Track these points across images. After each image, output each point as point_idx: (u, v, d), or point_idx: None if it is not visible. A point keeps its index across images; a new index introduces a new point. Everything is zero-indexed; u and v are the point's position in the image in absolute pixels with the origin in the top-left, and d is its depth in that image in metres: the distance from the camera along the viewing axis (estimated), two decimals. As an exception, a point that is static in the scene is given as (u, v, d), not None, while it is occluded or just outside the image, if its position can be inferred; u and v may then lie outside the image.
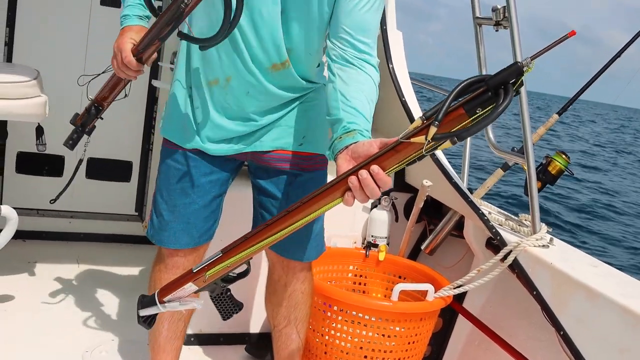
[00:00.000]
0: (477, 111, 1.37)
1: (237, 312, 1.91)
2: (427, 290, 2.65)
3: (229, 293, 1.85)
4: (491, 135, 2.93)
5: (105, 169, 4.04)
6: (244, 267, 1.77)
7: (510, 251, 2.53)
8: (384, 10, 3.22)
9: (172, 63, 3.16)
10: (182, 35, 1.92)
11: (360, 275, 3.08)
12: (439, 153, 3.05)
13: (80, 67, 3.80)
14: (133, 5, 2.12)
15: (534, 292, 2.43)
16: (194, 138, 2.11)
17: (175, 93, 2.15)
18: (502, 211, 2.97)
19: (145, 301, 1.83)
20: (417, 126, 1.43)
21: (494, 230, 2.66)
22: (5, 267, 3.38)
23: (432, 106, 1.45)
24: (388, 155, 1.49)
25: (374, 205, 3.21)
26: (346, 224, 3.17)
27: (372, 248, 3.09)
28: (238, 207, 2.42)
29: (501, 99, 1.35)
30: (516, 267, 2.52)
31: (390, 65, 3.23)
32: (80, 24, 3.85)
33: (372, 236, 3.13)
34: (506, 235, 2.65)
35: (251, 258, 1.70)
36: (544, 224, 2.63)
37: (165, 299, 1.79)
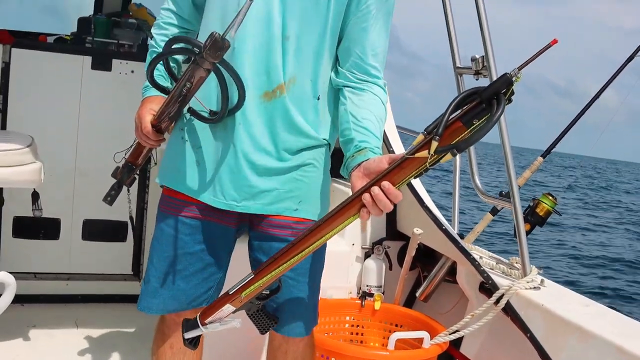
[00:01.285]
0: (474, 122, 1.49)
1: (273, 327, 2.02)
2: (423, 338, 2.67)
3: (264, 309, 1.96)
4: (477, 181, 2.98)
5: (101, 230, 4.07)
6: (275, 284, 1.88)
7: (503, 294, 2.57)
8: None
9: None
10: (191, 112, 2.03)
11: (357, 326, 3.11)
12: (428, 200, 3.11)
13: (73, 132, 3.87)
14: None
15: (528, 335, 2.46)
16: (190, 186, 2.10)
17: (173, 140, 2.17)
18: (493, 255, 3.01)
19: (189, 324, 1.92)
20: (420, 141, 1.55)
21: (485, 274, 2.70)
22: (5, 332, 3.39)
23: (431, 121, 1.54)
24: (396, 171, 1.62)
25: (367, 255, 3.25)
26: (341, 274, 3.21)
27: (367, 298, 3.12)
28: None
29: (494, 109, 1.46)
30: (509, 310, 2.55)
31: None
32: (73, 89, 3.91)
33: (367, 286, 3.16)
34: (498, 279, 2.69)
35: (281, 276, 1.81)
36: (534, 266, 2.67)
37: (206, 321, 1.89)
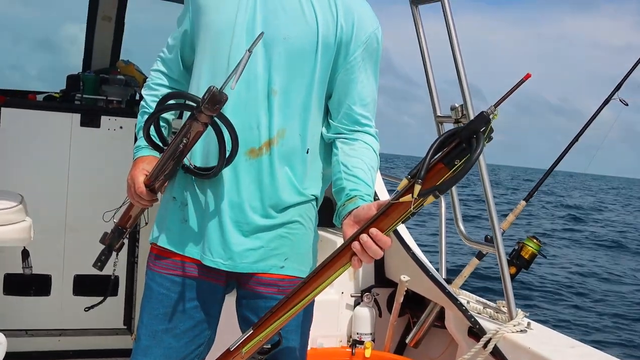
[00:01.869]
0: (456, 163, 1.53)
1: None
2: (413, 384, 2.69)
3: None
4: (461, 227, 3.03)
5: (91, 285, 4.08)
6: (276, 339, 1.88)
7: (490, 339, 2.59)
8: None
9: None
10: (185, 169, 2.03)
11: (349, 374, 3.11)
12: (415, 247, 3.15)
13: (63, 188, 3.91)
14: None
15: (516, 378, 2.48)
16: (178, 244, 2.10)
17: (164, 198, 2.18)
18: (480, 299, 3.05)
19: None
20: (404, 186, 1.58)
21: (472, 319, 2.73)
22: (-4, 392, 3.38)
23: (414, 165, 1.58)
24: (382, 217, 1.64)
25: (356, 303, 3.27)
26: (331, 323, 3.22)
27: (358, 345, 3.13)
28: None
29: (474, 147, 1.49)
30: (497, 354, 2.58)
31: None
32: (62, 146, 3.96)
33: (357, 333, 3.18)
34: (485, 323, 2.72)
35: (281, 329, 1.81)
36: (519, 310, 2.70)
37: None
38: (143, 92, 2.25)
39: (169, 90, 2.21)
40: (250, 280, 2.10)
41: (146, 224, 2.40)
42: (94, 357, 4.02)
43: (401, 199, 1.59)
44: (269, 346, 1.88)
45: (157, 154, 2.11)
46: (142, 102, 2.23)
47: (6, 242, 2.91)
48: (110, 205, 2.39)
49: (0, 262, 3.78)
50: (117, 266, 2.46)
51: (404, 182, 1.58)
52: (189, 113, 1.91)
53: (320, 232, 3.63)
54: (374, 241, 1.65)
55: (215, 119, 1.87)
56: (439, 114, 3.09)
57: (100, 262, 2.41)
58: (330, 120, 2.09)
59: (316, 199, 2.16)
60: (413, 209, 1.58)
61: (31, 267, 3.01)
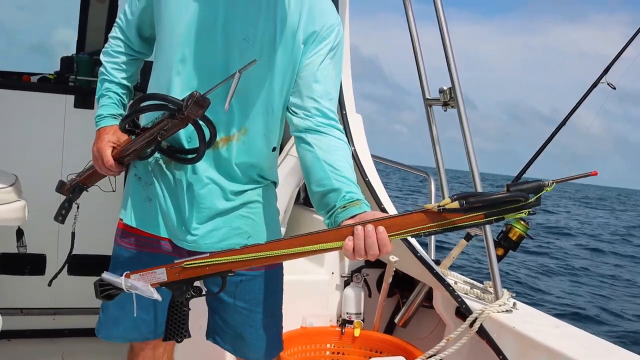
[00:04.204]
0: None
1: (180, 338, 1.90)
2: (400, 363, 2.74)
3: (186, 310, 1.87)
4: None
5: (87, 265, 4.11)
6: (215, 289, 1.87)
7: (476, 318, 2.64)
8: (342, 95, 3.41)
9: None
10: (166, 153, 2.05)
11: (338, 353, 3.16)
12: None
13: (57, 169, 3.93)
14: (107, 105, 2.19)
15: (501, 357, 2.53)
16: (143, 221, 2.14)
17: (129, 176, 2.22)
18: (468, 280, 3.09)
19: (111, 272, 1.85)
20: (446, 203, 1.60)
21: (459, 299, 2.78)
22: (-9, 369, 3.43)
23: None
24: (398, 220, 1.65)
25: (346, 283, 3.32)
26: (321, 303, 3.27)
27: (347, 325, 3.19)
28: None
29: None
30: (483, 334, 2.63)
31: (353, 147, 3.38)
32: (56, 127, 3.99)
33: (346, 313, 3.23)
34: (472, 303, 2.77)
35: (231, 273, 1.78)
36: (505, 290, 2.75)
37: (131, 276, 1.81)
38: (102, 58, 2.24)
39: (127, 58, 2.24)
40: None
41: (113, 190, 2.43)
42: (88, 335, 4.05)
43: (426, 206, 1.62)
44: (206, 290, 1.84)
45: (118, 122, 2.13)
46: (102, 69, 2.24)
47: (1, 222, 2.94)
48: (104, 185, 2.43)
49: None
50: (77, 220, 2.49)
51: (447, 200, 1.61)
52: None
53: (313, 215, 3.72)
54: (376, 237, 1.65)
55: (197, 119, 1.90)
56: (427, 96, 3.12)
57: (61, 215, 2.45)
58: (296, 115, 2.07)
59: (274, 182, 2.21)
60: (435, 224, 1.61)
61: (25, 246, 3.04)
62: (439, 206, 1.61)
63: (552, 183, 1.53)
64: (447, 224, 1.62)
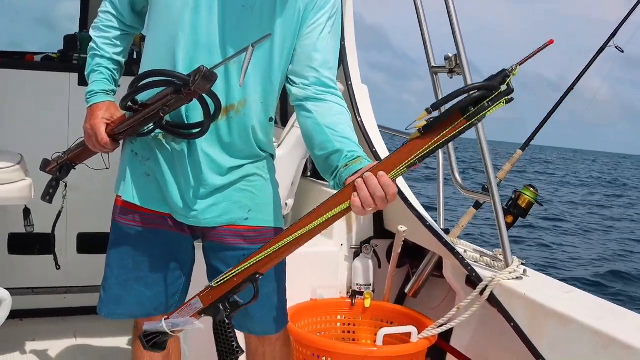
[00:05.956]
0: (470, 109, 1.57)
1: (235, 356, 1.88)
2: (410, 332, 2.74)
3: (231, 328, 1.85)
4: (457, 176, 3.05)
5: (95, 243, 4.12)
6: (248, 299, 1.84)
7: (486, 286, 2.63)
8: (347, 66, 3.38)
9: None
10: (162, 127, 2.00)
11: (349, 324, 3.16)
12: (412, 198, 3.17)
13: (63, 147, 3.89)
14: (99, 81, 2.16)
15: (512, 324, 2.52)
16: (142, 197, 2.14)
17: (124, 153, 2.20)
18: (477, 248, 3.08)
19: (152, 323, 1.88)
20: (422, 117, 1.61)
21: (469, 267, 2.76)
22: (4, 347, 3.45)
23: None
24: (392, 159, 1.66)
25: (356, 255, 3.31)
26: (330, 274, 3.27)
27: (357, 296, 3.18)
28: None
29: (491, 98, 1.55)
30: (493, 301, 2.62)
31: (359, 119, 3.36)
32: (61, 105, 3.98)
33: (357, 284, 3.22)
34: (482, 271, 2.75)
35: (259, 275, 1.79)
36: (515, 257, 2.73)
37: (169, 318, 1.84)
38: (92, 33, 2.21)
39: (120, 32, 2.21)
40: (215, 232, 2.15)
41: (107, 168, 2.41)
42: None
43: (415, 124, 1.61)
44: (242, 302, 1.84)
45: (112, 99, 2.13)
46: (92, 44, 2.20)
47: (7, 201, 2.95)
48: (93, 163, 2.40)
49: (4, 222, 3.82)
50: (66, 198, 2.47)
51: (423, 114, 1.60)
52: None
53: (320, 187, 3.70)
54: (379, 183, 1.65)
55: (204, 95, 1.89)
56: (433, 64, 3.09)
57: (49, 195, 2.44)
58: (296, 85, 2.07)
59: (271, 155, 2.21)
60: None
61: (33, 225, 3.04)
62: (419, 130, 1.61)
63: (516, 66, 1.54)
64: (435, 142, 1.61)
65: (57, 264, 2.81)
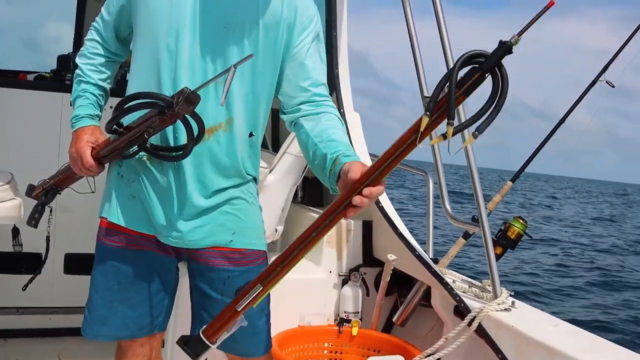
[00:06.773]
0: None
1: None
2: (398, 362, 2.73)
3: None
4: (448, 207, 3.06)
5: (82, 264, 4.09)
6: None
7: (475, 317, 2.63)
8: (339, 94, 3.40)
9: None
10: (146, 149, 2.03)
11: (336, 352, 3.15)
12: (402, 226, 3.17)
13: (54, 168, 3.89)
14: (84, 106, 2.19)
15: (500, 356, 2.51)
16: (127, 218, 2.15)
17: (110, 175, 2.22)
18: (466, 278, 3.08)
19: (197, 347, 1.87)
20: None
21: (457, 298, 2.76)
22: (-13, 368, 3.41)
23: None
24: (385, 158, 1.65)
25: (344, 282, 3.31)
26: (319, 302, 3.26)
27: (345, 324, 3.17)
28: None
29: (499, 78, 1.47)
30: (481, 332, 2.61)
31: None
32: (52, 125, 3.96)
33: (344, 312, 3.22)
34: (470, 302, 2.75)
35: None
36: (504, 289, 2.73)
37: (215, 339, 1.86)
38: (78, 60, 2.25)
39: (105, 59, 2.24)
40: (200, 253, 2.16)
41: (92, 192, 2.41)
42: None
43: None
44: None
45: (97, 123, 2.16)
46: (78, 71, 2.24)
47: None
48: (100, 183, 2.41)
49: None
50: (51, 223, 2.46)
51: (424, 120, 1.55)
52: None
53: (311, 213, 3.70)
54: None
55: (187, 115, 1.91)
56: (426, 94, 3.11)
57: (34, 219, 2.44)
58: (287, 106, 2.13)
59: (255, 178, 2.22)
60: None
61: (21, 244, 3.02)
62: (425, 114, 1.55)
63: (517, 37, 1.44)
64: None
65: (29, 282, 2.80)
